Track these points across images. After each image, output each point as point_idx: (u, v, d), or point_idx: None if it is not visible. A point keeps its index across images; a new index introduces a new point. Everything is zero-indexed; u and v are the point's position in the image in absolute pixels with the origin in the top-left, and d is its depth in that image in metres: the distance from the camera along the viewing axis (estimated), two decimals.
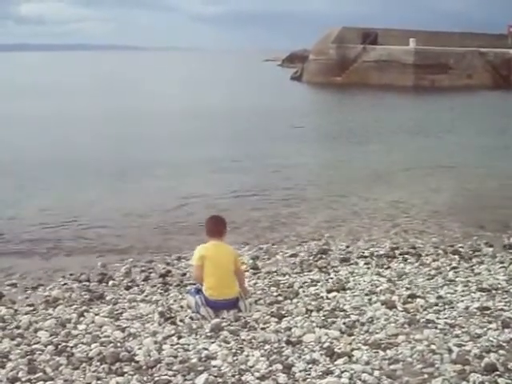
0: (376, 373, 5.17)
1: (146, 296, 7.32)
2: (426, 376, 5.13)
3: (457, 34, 61.16)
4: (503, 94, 44.34)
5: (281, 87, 51.26)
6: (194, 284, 7.04)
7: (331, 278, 7.83)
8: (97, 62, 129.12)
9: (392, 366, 5.30)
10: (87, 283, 8.00)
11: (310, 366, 5.34)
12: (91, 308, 6.86)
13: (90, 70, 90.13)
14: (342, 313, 6.53)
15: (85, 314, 6.64)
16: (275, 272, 8.21)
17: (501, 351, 5.55)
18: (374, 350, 5.60)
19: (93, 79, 61.03)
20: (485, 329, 6.06)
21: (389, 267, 8.35)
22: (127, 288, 7.72)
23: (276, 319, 6.36)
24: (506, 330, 6.00)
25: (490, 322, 6.22)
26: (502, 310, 6.58)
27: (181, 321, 6.40)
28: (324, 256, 9.02)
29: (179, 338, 5.96)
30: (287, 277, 7.97)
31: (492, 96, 43.37)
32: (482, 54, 52.94)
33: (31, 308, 6.98)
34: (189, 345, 5.79)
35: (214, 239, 6.78)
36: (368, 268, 8.30)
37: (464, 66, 51.54)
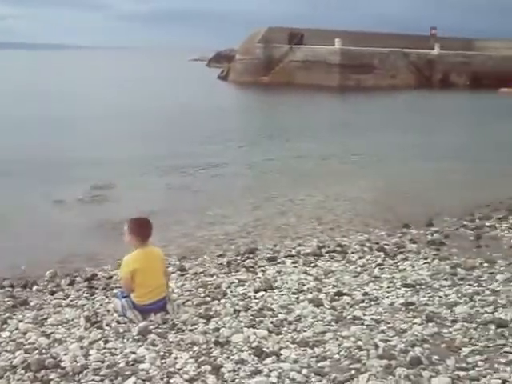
0: (304, 371, 5.20)
1: (72, 301, 7.15)
2: (353, 372, 5.19)
3: (381, 34, 62.41)
4: (426, 94, 45.53)
5: (207, 86, 51.10)
6: (121, 287, 6.92)
7: (259, 278, 7.85)
8: (19, 61, 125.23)
9: (320, 364, 5.35)
10: (10, 289, 7.77)
11: (238, 366, 5.32)
12: (15, 314, 6.65)
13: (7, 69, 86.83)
14: (269, 312, 6.54)
15: (8, 320, 6.43)
16: (202, 273, 8.18)
17: (425, 345, 5.68)
18: (302, 348, 5.64)
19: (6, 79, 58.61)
20: (409, 324, 6.19)
21: (316, 265, 8.43)
22: (52, 293, 7.53)
23: (204, 320, 6.32)
24: (430, 324, 6.15)
25: (414, 317, 6.35)
26: (425, 304, 6.74)
27: (107, 325, 6.28)
28: (251, 256, 9.05)
29: (106, 342, 5.85)
30: (215, 277, 7.95)
31: (415, 95, 44.46)
32: (405, 55, 54.23)
33: None
34: (116, 349, 5.69)
35: (140, 243, 6.52)
36: (295, 267, 8.36)
37: (388, 66, 52.64)
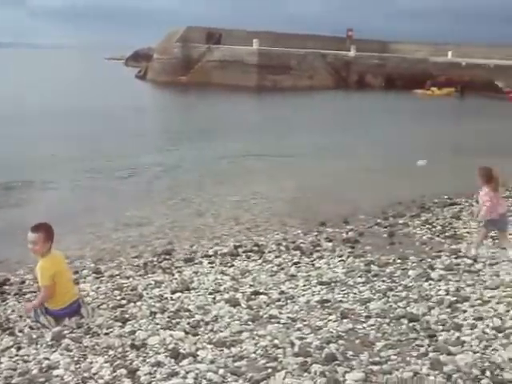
0: (221, 371, 5.21)
1: None
2: (269, 370, 5.23)
3: (299, 35, 63.13)
4: (342, 94, 46.31)
5: (124, 86, 50.37)
6: (34, 292, 6.74)
7: (175, 279, 7.82)
8: None
9: (237, 363, 5.37)
10: None
11: (154, 368, 5.28)
12: None
13: None
14: (186, 313, 6.53)
15: None
16: (118, 275, 8.08)
17: (340, 341, 5.78)
18: (219, 349, 5.65)
19: None
20: (325, 321, 6.29)
21: (232, 265, 8.47)
22: None
23: (120, 323, 6.25)
24: (345, 321, 6.27)
25: (329, 314, 6.46)
26: (340, 301, 6.86)
27: (20, 331, 6.13)
28: (168, 257, 9.01)
29: (18, 349, 5.71)
30: (131, 279, 7.87)
31: (331, 96, 45.14)
32: (322, 56, 55.00)
33: None
34: (29, 356, 5.56)
35: (49, 249, 6.33)
36: (212, 267, 8.38)
37: (305, 67, 53.25)
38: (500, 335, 5.82)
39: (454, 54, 58.51)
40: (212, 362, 5.39)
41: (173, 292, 7.23)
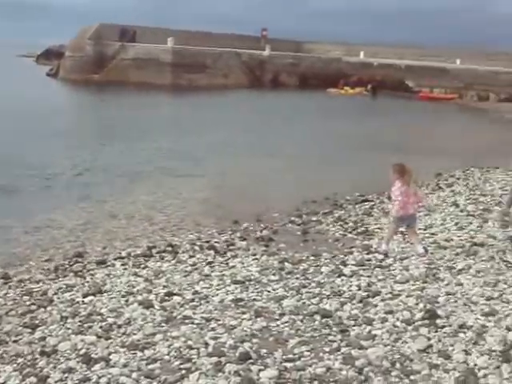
0: (134, 374, 5.15)
1: None
2: (183, 372, 5.20)
3: (215, 34, 63.06)
4: (257, 93, 46.55)
5: (35, 84, 48.96)
6: None
7: (87, 282, 7.68)
8: None
9: (150, 366, 5.32)
10: None
11: (66, 375, 5.18)
12: None
13: None
14: (98, 317, 6.42)
15: None
16: (28, 280, 7.86)
17: (254, 340, 5.80)
18: (132, 352, 5.57)
19: None
20: (239, 320, 6.30)
21: (146, 266, 8.37)
22: None
23: (29, 330, 6.09)
24: (259, 319, 6.29)
25: (243, 313, 6.47)
26: (254, 300, 6.89)
27: None
28: (80, 259, 8.82)
29: None
30: (41, 284, 7.67)
31: (246, 95, 45.30)
32: (237, 55, 55.13)
33: None
34: None
35: None
36: (125, 269, 8.26)
37: (221, 65, 53.24)
38: (409, 328, 5.99)
39: (366, 55, 59.79)
40: (125, 365, 5.31)
41: (85, 295, 7.08)
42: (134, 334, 5.95)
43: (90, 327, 6.13)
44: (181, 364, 5.33)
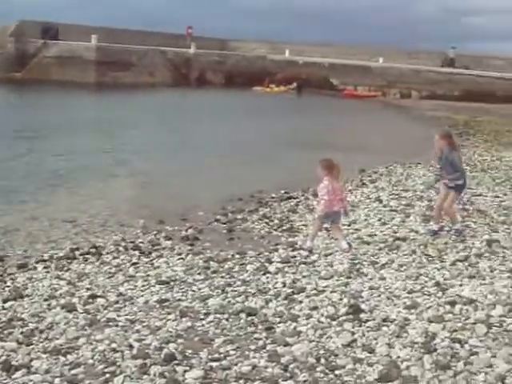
0: (57, 380, 5.06)
1: None
2: (107, 376, 5.14)
3: (140, 32, 62.31)
4: (183, 91, 46.32)
5: None
6: None
7: (8, 287, 7.47)
8: None
9: (73, 371, 5.23)
10: None
11: None
12: None
13: None
14: (19, 322, 6.26)
15: None
16: None
17: (179, 340, 5.79)
18: (55, 357, 5.46)
19: None
20: (164, 320, 6.27)
21: (69, 269, 8.21)
22: None
23: None
24: (184, 319, 6.27)
25: (168, 314, 6.45)
26: (179, 300, 6.87)
27: None
28: (0, 263, 8.55)
29: None
30: None
31: (172, 93, 45.01)
32: (163, 53, 54.70)
33: None
34: None
35: None
36: (47, 272, 8.08)
37: (146, 63, 52.72)
38: (334, 323, 6.09)
39: (291, 53, 60.25)
40: (47, 371, 5.21)
41: (5, 301, 6.89)
42: (57, 339, 5.83)
43: (11, 333, 5.97)
44: (105, 368, 5.27)
